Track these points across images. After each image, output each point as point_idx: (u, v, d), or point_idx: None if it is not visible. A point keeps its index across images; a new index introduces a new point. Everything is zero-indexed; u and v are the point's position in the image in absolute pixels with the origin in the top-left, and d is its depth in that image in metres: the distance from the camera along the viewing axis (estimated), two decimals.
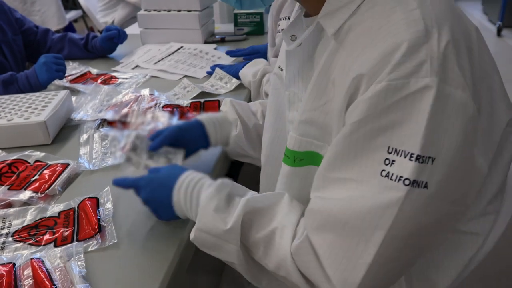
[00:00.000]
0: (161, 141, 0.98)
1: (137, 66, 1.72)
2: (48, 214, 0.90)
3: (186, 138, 1.01)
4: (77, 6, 4.70)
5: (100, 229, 0.84)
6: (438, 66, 0.56)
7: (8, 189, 0.98)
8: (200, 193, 0.77)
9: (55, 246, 0.81)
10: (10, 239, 0.84)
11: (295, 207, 0.72)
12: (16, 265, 0.76)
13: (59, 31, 3.44)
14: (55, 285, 0.71)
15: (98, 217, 0.87)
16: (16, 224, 0.88)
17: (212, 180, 0.78)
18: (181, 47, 1.86)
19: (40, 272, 0.74)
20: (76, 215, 0.89)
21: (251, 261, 0.73)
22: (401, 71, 0.56)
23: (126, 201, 0.92)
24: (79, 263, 0.77)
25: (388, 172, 0.57)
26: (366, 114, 0.58)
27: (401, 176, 0.56)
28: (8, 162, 1.06)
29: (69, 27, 4.08)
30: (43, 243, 0.82)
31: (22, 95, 1.29)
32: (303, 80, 0.75)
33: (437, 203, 0.58)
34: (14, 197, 0.95)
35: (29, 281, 0.73)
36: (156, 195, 0.82)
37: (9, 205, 0.94)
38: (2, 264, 0.75)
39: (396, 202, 0.56)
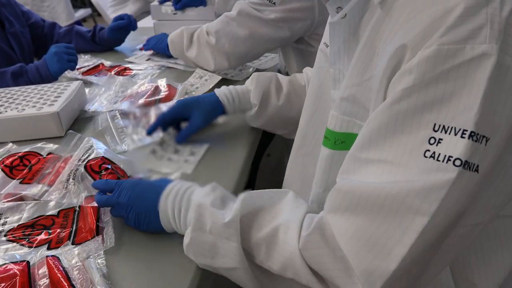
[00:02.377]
0: (163, 119, 1.02)
1: (149, 59, 1.66)
2: (48, 212, 0.83)
3: (194, 107, 1.03)
4: (86, 4, 4.67)
5: (98, 232, 0.76)
6: (499, 32, 0.48)
7: (20, 182, 0.91)
8: (191, 197, 0.69)
9: (49, 248, 0.73)
10: (3, 238, 0.77)
11: (301, 204, 0.64)
12: (31, 263, 0.69)
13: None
14: (73, 285, 0.65)
15: (97, 218, 0.79)
16: (12, 221, 0.81)
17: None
18: None
19: (56, 271, 0.67)
20: (76, 215, 0.81)
21: (254, 267, 0.64)
22: (455, 34, 0.48)
23: None
24: (99, 261, 0.70)
25: (434, 153, 0.49)
26: (412, 84, 0.50)
27: (450, 156, 0.48)
28: (19, 154, 0.99)
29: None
30: (35, 245, 0.75)
31: (33, 86, 1.24)
32: (349, 56, 0.68)
33: (483, 192, 0.51)
34: (26, 191, 0.89)
35: (45, 280, 0.66)
36: (140, 198, 0.74)
37: (21, 199, 0.88)
38: (15, 263, 0.69)
39: (444, 185, 0.48)
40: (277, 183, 0.95)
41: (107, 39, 1.76)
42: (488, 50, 0.47)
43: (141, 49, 1.74)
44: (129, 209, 0.74)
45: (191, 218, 0.66)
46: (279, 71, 1.51)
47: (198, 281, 0.69)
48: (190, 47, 1.39)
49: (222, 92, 1.05)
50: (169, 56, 1.57)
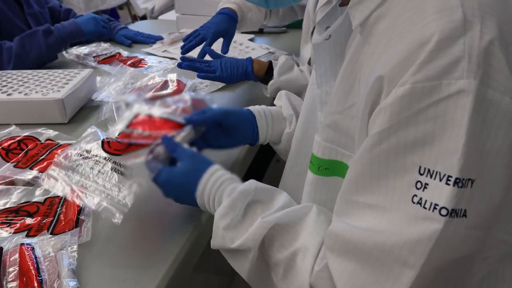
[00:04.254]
0: (203, 120, 0.83)
1: (165, 50, 1.65)
2: (34, 198, 0.83)
3: (232, 126, 0.87)
4: None
5: (77, 224, 0.76)
6: (478, 65, 0.44)
7: (14, 166, 0.92)
8: (220, 201, 0.67)
9: (27, 235, 0.73)
10: None
11: (321, 224, 0.62)
12: (4, 249, 0.69)
13: (101, 12, 3.45)
14: (40, 277, 0.64)
15: (79, 210, 0.79)
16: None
17: (234, 183, 0.68)
18: None
19: (28, 260, 0.66)
20: (60, 205, 0.81)
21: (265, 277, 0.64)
22: (429, 70, 0.45)
23: None
24: (71, 253, 0.69)
25: (421, 199, 0.47)
26: (388, 125, 0.48)
27: (436, 204, 0.46)
28: (18, 138, 1.00)
29: (113, 13, 4.09)
30: (14, 231, 0.74)
31: (44, 71, 1.25)
32: (335, 78, 0.65)
33: (478, 232, 0.47)
34: (18, 175, 0.89)
35: (15, 268, 0.66)
36: (177, 194, 0.74)
37: (12, 183, 0.88)
38: None
39: (431, 236, 0.46)
40: None
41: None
42: (465, 86, 0.44)
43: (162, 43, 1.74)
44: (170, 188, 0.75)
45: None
46: None
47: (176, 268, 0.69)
48: None
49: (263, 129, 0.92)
50: None
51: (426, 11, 0.48)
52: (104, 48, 1.64)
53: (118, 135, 0.82)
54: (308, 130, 0.80)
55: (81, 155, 0.80)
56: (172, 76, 1.27)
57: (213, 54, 1.26)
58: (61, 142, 1.00)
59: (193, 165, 0.72)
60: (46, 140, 1.01)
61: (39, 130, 1.04)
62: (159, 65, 1.50)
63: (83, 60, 1.55)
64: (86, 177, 0.76)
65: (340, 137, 0.61)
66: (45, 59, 1.55)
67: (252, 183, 0.67)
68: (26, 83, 1.18)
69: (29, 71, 1.26)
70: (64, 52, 1.60)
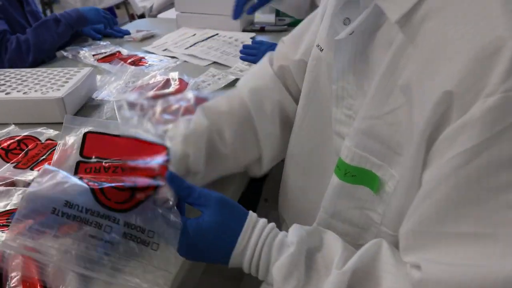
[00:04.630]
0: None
1: (166, 49, 1.63)
2: None
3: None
4: None
5: None
6: None
7: (14, 167, 0.89)
8: (269, 259, 0.58)
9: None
10: None
11: (403, 267, 0.54)
12: (6, 254, 0.66)
13: None
14: (44, 282, 0.61)
15: None
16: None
17: (279, 234, 0.59)
18: (217, 34, 1.76)
19: (31, 264, 0.64)
20: None
21: None
22: None
23: None
24: None
25: None
26: (478, 141, 0.43)
27: None
28: (18, 138, 0.97)
29: (110, 12, 4.06)
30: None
31: (43, 69, 1.22)
32: (355, 74, 0.62)
33: None
34: (18, 176, 0.86)
35: (18, 273, 0.63)
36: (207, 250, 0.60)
37: (12, 184, 0.85)
38: None
39: None
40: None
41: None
42: None
43: None
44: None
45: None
46: None
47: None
48: None
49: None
50: (187, 47, 1.55)
51: (491, 11, 0.44)
52: (103, 46, 1.62)
53: (76, 170, 0.60)
54: (321, 131, 0.74)
55: (64, 214, 0.55)
56: (174, 75, 1.25)
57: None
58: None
59: (226, 216, 0.59)
60: (46, 140, 0.98)
61: (39, 129, 1.01)
62: (160, 63, 1.47)
63: (82, 59, 1.52)
64: (87, 259, 0.55)
65: (374, 144, 0.57)
66: (56, 47, 1.60)
67: (295, 229, 0.59)
68: (24, 81, 1.15)
69: (28, 70, 1.23)
70: (62, 51, 1.59)
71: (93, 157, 0.62)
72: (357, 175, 0.60)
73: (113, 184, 0.57)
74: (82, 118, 0.68)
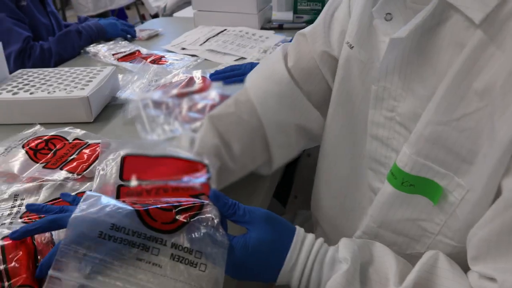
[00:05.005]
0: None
1: (184, 48, 1.62)
2: None
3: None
4: None
5: None
6: None
7: (43, 167, 0.88)
8: (320, 276, 0.55)
9: None
10: (19, 220, 0.73)
11: (464, 281, 0.51)
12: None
13: (110, 12, 3.44)
14: None
15: None
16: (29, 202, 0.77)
17: (329, 250, 0.57)
18: (225, 29, 1.76)
19: None
20: None
21: None
22: None
23: None
24: None
25: None
26: None
27: None
28: (45, 138, 0.96)
29: (121, 13, 4.06)
30: None
31: (67, 69, 1.21)
32: (401, 75, 0.58)
33: None
34: (48, 176, 0.85)
35: None
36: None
37: (41, 185, 0.84)
38: None
39: None
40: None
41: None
42: None
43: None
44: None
45: None
46: None
47: None
48: None
49: None
50: (201, 44, 1.57)
51: None
52: (122, 45, 1.61)
53: (118, 195, 0.59)
54: (348, 125, 0.72)
55: (111, 238, 0.52)
56: (197, 73, 1.24)
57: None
58: (90, 142, 0.96)
59: (273, 232, 0.56)
60: (74, 140, 0.97)
61: (66, 129, 1.00)
62: (181, 62, 1.46)
63: (102, 58, 1.51)
64: (134, 283, 0.52)
65: (439, 152, 0.53)
66: (76, 56, 1.65)
67: (346, 243, 0.56)
68: (48, 81, 1.14)
69: (50, 69, 1.22)
70: (82, 50, 1.59)
71: (134, 180, 0.61)
72: (416, 185, 0.56)
73: (158, 206, 0.55)
74: (117, 141, 0.67)
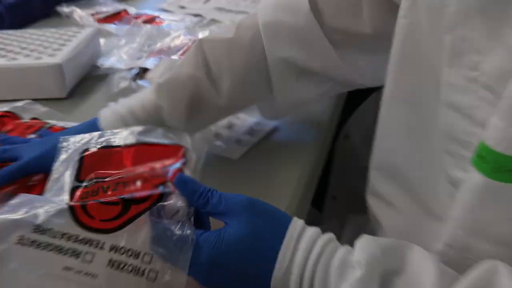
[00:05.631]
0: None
1: (184, 7, 1.39)
2: None
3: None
4: None
5: None
6: None
7: None
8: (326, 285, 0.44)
9: None
10: None
11: None
12: None
13: None
14: None
15: None
16: None
17: (338, 248, 0.46)
18: None
19: None
20: None
21: None
22: None
23: None
24: None
25: None
26: None
27: None
28: None
29: None
30: None
31: (32, 31, 1.01)
32: (486, 17, 0.46)
33: None
34: None
35: None
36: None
37: None
38: None
39: None
40: (359, 169, 0.71)
41: None
42: None
43: None
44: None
45: None
46: None
47: None
48: None
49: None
50: (205, 2, 1.34)
51: None
52: (102, 4, 1.37)
53: (71, 198, 0.50)
54: (415, 92, 0.58)
55: (33, 244, 0.45)
56: (204, 35, 1.01)
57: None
58: (52, 123, 0.73)
59: (258, 224, 0.47)
60: (32, 119, 0.75)
61: (20, 104, 0.78)
62: (181, 23, 1.23)
63: (78, 20, 1.27)
64: None
65: None
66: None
67: (364, 242, 0.45)
68: (8, 45, 0.92)
69: (10, 32, 1.01)
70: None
71: (92, 179, 0.51)
72: None
73: (101, 199, 0.47)
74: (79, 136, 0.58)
